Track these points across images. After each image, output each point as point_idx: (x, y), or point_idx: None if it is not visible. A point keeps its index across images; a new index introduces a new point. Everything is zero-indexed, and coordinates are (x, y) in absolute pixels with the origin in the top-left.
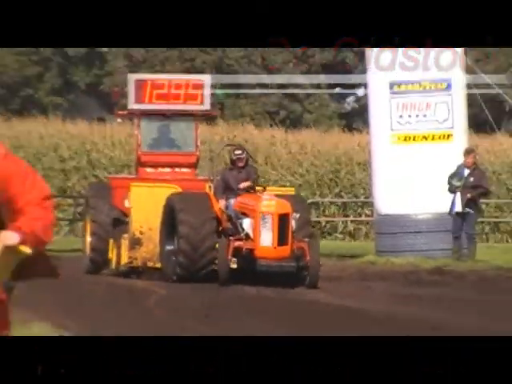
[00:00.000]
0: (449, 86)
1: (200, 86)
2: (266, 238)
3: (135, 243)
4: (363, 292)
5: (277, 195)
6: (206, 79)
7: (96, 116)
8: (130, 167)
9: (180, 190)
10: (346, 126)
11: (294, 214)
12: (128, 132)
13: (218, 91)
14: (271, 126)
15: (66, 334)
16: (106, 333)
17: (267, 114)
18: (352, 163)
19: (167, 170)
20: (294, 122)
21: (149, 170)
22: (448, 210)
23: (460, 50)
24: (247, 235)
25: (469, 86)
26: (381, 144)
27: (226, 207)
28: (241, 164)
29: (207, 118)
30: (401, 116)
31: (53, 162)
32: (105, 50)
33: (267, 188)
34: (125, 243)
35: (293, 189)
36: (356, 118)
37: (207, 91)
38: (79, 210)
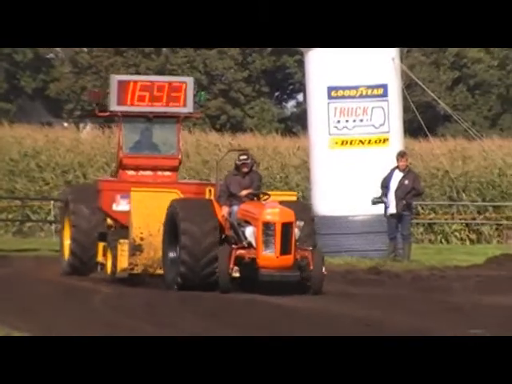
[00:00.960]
0: (385, 92)
1: (182, 89)
2: (269, 247)
3: (136, 249)
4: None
5: (280, 202)
6: (189, 81)
7: (44, 120)
8: (76, 171)
9: (181, 195)
10: (285, 130)
11: (298, 223)
12: (74, 136)
13: (201, 93)
14: (210, 130)
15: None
16: (54, 332)
17: (208, 119)
18: (288, 167)
19: (149, 173)
20: (234, 127)
21: (130, 172)
22: (383, 211)
23: (396, 56)
24: (250, 244)
25: (404, 92)
26: (319, 148)
27: (230, 214)
28: (245, 169)
29: (190, 120)
30: (338, 121)
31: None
32: (51, 55)
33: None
34: (122, 248)
35: (295, 193)
36: (295, 123)
37: (190, 93)
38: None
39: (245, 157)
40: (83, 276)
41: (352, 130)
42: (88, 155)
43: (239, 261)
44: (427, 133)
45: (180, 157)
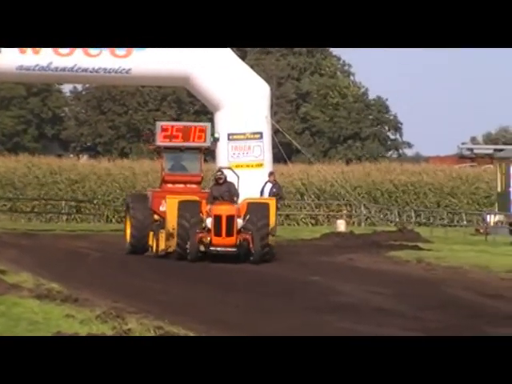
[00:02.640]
0: (261, 136)
1: (204, 130)
2: (217, 232)
3: (170, 236)
4: None
5: (249, 202)
6: (208, 126)
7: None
8: (78, 182)
9: (196, 198)
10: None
11: (247, 216)
12: (75, 162)
13: (215, 134)
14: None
15: (52, 284)
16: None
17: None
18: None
19: (181, 185)
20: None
21: (169, 185)
22: None
23: (268, 114)
24: (208, 229)
25: (273, 136)
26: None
27: (208, 211)
28: (220, 181)
29: (208, 151)
30: (233, 153)
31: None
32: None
33: (248, 197)
34: (162, 236)
35: (267, 200)
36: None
37: (208, 134)
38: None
39: (219, 173)
40: (139, 254)
41: (242, 158)
42: (84, 174)
43: (200, 240)
44: (287, 160)
45: (202, 175)
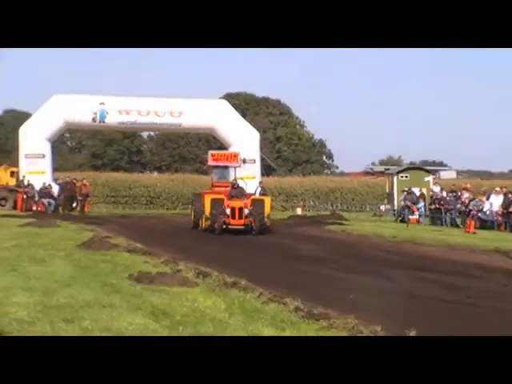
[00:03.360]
0: (254, 161)
1: (236, 155)
2: (233, 217)
3: (206, 219)
4: None
5: (252, 199)
6: (239, 153)
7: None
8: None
9: (221, 196)
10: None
11: (249, 207)
12: (150, 177)
13: (243, 158)
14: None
15: (137, 244)
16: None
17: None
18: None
19: (223, 188)
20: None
21: (216, 188)
22: None
23: (258, 148)
24: (228, 216)
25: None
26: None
27: (228, 204)
28: (235, 186)
29: (238, 167)
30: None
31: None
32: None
33: (251, 196)
34: (203, 219)
35: (262, 198)
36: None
37: (239, 157)
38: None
39: (235, 181)
40: (196, 229)
41: (243, 173)
42: (154, 183)
43: (224, 223)
44: (266, 175)
45: (236, 182)
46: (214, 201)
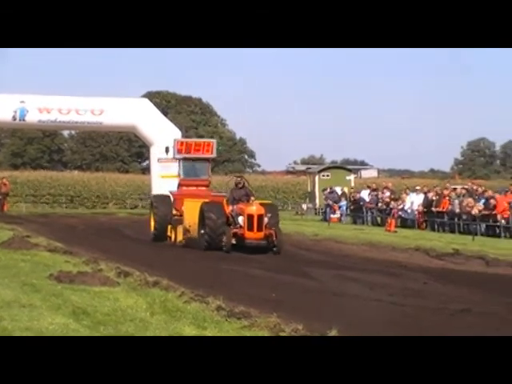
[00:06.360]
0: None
1: (210, 144)
2: (250, 228)
3: (187, 231)
4: None
5: (260, 203)
6: (214, 141)
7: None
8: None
9: (208, 200)
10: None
11: (268, 214)
12: (68, 175)
13: (219, 147)
14: None
15: (58, 243)
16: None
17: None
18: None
19: (194, 188)
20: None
21: (184, 188)
22: None
23: None
24: (240, 226)
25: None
26: (156, 177)
27: (232, 210)
28: (240, 185)
29: (214, 161)
30: (161, 169)
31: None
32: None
33: (255, 200)
34: (179, 230)
35: (270, 201)
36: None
37: (214, 147)
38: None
39: (239, 179)
40: (160, 242)
41: (165, 172)
42: (75, 181)
43: (234, 235)
44: None
45: (210, 179)
46: (207, 206)
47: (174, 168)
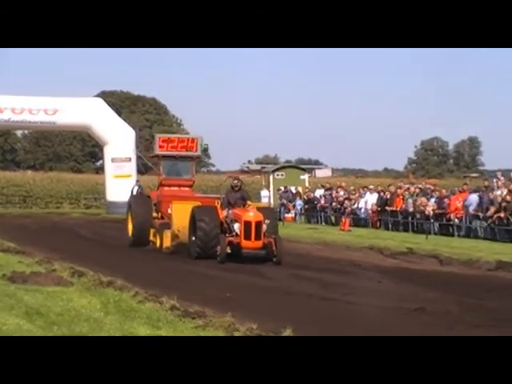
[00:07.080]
0: (130, 159)
1: (195, 141)
2: (247, 236)
3: (175, 236)
4: None
5: (258, 208)
6: (199, 138)
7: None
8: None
9: (200, 203)
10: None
11: (266, 221)
12: (22, 175)
13: (204, 144)
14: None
15: (10, 243)
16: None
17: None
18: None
19: (176, 188)
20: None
21: (166, 188)
22: None
23: (134, 146)
24: (236, 233)
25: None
26: (109, 177)
27: (226, 216)
28: (236, 188)
29: (198, 159)
30: (115, 169)
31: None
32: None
33: (251, 203)
34: (167, 235)
35: (267, 204)
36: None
37: (199, 144)
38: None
39: (236, 181)
40: (141, 247)
41: (119, 171)
42: (27, 181)
43: (230, 243)
44: (144, 172)
45: (194, 179)
46: (199, 210)
47: (128, 168)
